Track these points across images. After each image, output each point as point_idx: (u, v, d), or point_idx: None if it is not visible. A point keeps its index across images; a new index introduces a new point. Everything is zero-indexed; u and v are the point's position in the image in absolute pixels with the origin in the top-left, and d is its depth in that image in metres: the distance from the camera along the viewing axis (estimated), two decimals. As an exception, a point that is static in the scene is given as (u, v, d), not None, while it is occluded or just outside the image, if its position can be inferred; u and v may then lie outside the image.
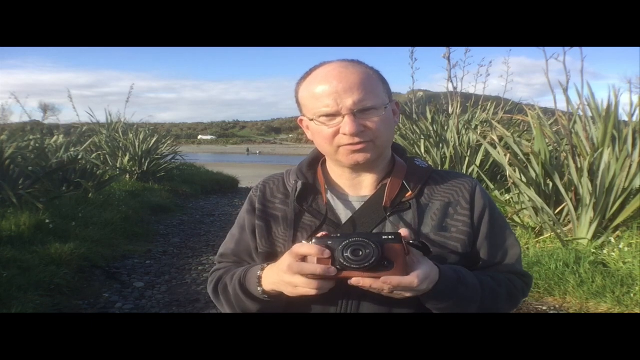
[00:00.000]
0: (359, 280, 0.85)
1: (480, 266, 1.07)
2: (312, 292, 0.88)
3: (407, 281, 0.85)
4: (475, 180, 1.12)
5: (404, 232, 0.89)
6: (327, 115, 0.99)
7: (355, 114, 0.97)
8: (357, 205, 1.07)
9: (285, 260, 0.90)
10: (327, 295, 0.99)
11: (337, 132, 0.99)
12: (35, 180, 5.57)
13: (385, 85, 1.05)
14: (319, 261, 0.86)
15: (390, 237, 0.86)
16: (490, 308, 1.00)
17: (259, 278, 0.98)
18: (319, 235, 0.89)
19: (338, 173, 1.10)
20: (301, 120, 1.10)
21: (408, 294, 0.88)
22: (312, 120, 1.02)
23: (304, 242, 0.90)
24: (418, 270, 0.87)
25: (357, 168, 1.06)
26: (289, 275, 0.89)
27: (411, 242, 0.89)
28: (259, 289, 0.98)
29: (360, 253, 0.84)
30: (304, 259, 0.88)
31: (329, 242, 0.87)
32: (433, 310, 0.97)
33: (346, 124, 0.97)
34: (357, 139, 0.98)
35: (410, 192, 1.05)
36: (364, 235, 0.86)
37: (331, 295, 0.99)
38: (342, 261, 0.85)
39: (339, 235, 0.88)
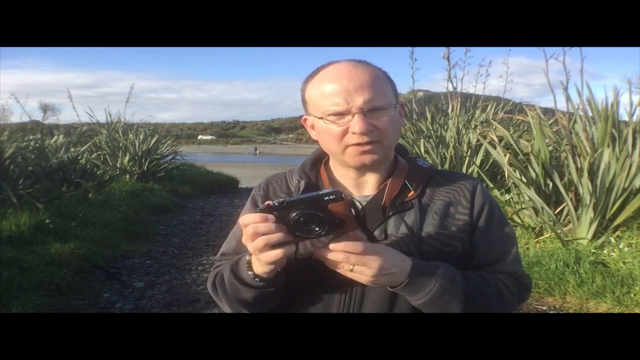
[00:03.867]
0: (318, 252, 0.89)
1: (475, 263, 1.06)
2: (277, 254, 0.86)
3: (351, 246, 0.87)
4: (477, 180, 1.12)
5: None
6: (336, 114, 0.99)
7: (365, 113, 0.97)
8: (359, 205, 1.07)
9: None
10: (329, 292, 0.99)
11: (346, 131, 0.99)
12: (35, 180, 5.58)
13: (393, 86, 1.05)
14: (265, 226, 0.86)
15: (331, 197, 0.87)
16: (478, 305, 0.99)
17: (249, 263, 0.97)
18: (261, 206, 0.88)
19: (342, 172, 1.10)
20: (305, 119, 1.10)
21: (367, 272, 0.88)
22: (320, 118, 1.02)
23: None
24: (367, 243, 0.89)
25: (362, 168, 1.06)
26: (251, 248, 0.88)
27: (353, 199, 0.90)
28: (249, 273, 0.96)
29: (313, 225, 0.86)
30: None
31: (275, 213, 0.87)
32: (419, 308, 0.97)
33: (356, 123, 0.97)
34: (365, 138, 0.98)
35: (412, 192, 1.05)
36: (307, 203, 0.86)
37: (333, 292, 0.99)
38: (299, 233, 0.86)
39: (283, 205, 0.87)
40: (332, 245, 0.88)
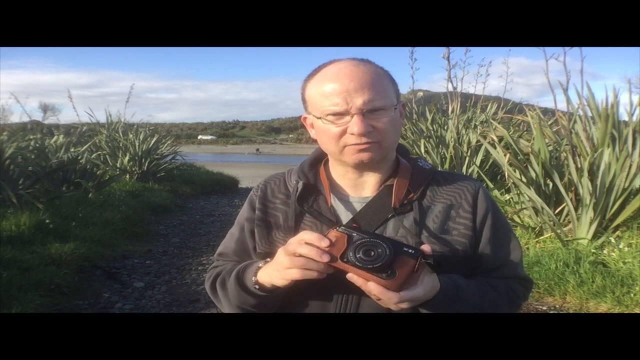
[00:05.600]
0: (353, 276, 0.86)
1: (481, 270, 1.06)
2: (299, 274, 0.88)
3: (387, 296, 0.84)
4: (479, 183, 1.11)
5: (426, 248, 0.88)
6: (336, 114, 0.98)
7: (364, 114, 0.96)
8: (358, 206, 1.06)
9: (288, 243, 0.92)
10: (326, 291, 0.99)
11: (345, 131, 0.98)
12: (35, 180, 5.57)
13: (394, 86, 1.04)
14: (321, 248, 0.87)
15: (410, 250, 0.86)
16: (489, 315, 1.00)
17: (257, 269, 0.99)
18: (343, 226, 0.90)
19: (340, 173, 1.09)
20: (305, 118, 1.09)
21: (393, 307, 0.87)
22: (319, 118, 1.01)
23: (334, 228, 0.91)
24: (408, 290, 0.86)
25: (361, 168, 1.05)
26: (286, 258, 0.90)
27: (426, 260, 0.87)
28: (253, 278, 0.98)
29: (372, 254, 0.84)
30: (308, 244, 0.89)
31: (353, 234, 0.88)
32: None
33: (354, 124, 0.96)
34: (364, 139, 0.97)
35: (412, 194, 1.05)
36: (386, 239, 0.87)
37: (330, 292, 0.99)
38: (351, 256, 0.85)
39: (365, 232, 0.89)
40: (370, 284, 0.85)
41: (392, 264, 0.84)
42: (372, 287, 0.84)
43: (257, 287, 0.98)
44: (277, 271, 0.92)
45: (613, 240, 3.90)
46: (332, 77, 0.98)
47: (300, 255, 0.88)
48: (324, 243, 0.87)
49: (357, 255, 0.85)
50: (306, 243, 0.88)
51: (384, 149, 1.02)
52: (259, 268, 0.99)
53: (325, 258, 0.86)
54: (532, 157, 4.52)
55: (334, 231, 0.90)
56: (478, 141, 5.69)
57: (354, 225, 0.91)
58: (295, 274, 0.89)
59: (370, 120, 0.97)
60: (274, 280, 0.94)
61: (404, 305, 0.86)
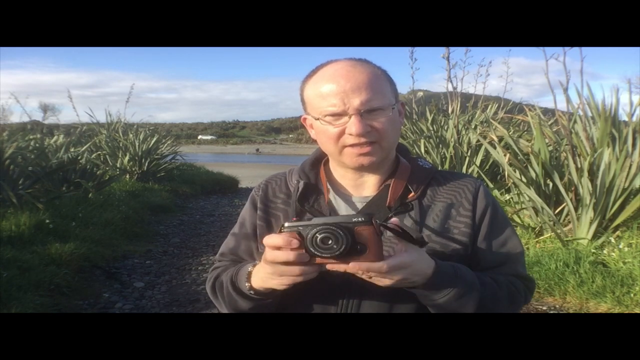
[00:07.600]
0: (333, 266, 0.83)
1: (481, 267, 1.06)
2: (298, 278, 0.86)
3: (376, 267, 0.82)
4: (479, 181, 1.11)
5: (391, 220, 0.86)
6: (333, 115, 0.98)
7: (362, 114, 0.96)
8: (359, 206, 1.06)
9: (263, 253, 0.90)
10: (327, 294, 0.99)
11: (343, 132, 0.98)
12: (35, 180, 5.57)
13: (392, 86, 1.04)
14: (292, 250, 0.84)
15: (360, 219, 0.83)
16: (490, 309, 0.98)
17: (249, 274, 0.98)
18: (287, 224, 0.86)
19: (341, 173, 1.09)
20: (305, 119, 1.09)
21: (387, 282, 0.85)
22: (317, 119, 1.01)
23: (277, 232, 0.88)
24: (393, 258, 0.84)
25: (361, 169, 1.05)
26: (268, 266, 0.88)
27: (385, 223, 0.85)
28: (246, 284, 0.97)
29: (330, 242, 0.82)
30: (278, 248, 0.86)
31: (300, 229, 0.84)
32: (430, 308, 0.96)
33: (352, 124, 0.96)
34: (362, 139, 0.97)
35: (412, 193, 1.05)
36: (332, 222, 0.83)
37: (331, 294, 0.99)
38: (313, 250, 0.83)
39: (310, 221, 0.85)
40: (352, 265, 0.82)
41: (355, 240, 0.82)
42: (356, 267, 0.82)
43: (252, 292, 0.97)
44: (269, 280, 0.91)
45: (613, 240, 3.90)
46: (329, 78, 0.99)
47: (277, 263, 0.86)
48: (294, 243, 0.83)
49: (319, 248, 0.82)
50: (275, 247, 0.85)
51: (384, 149, 1.02)
52: (250, 273, 0.98)
53: (306, 257, 0.83)
54: (532, 157, 4.51)
55: (284, 234, 0.86)
56: (478, 141, 5.69)
57: (293, 219, 0.89)
58: (280, 282, 0.88)
59: (368, 120, 0.97)
60: (269, 284, 0.93)
61: (398, 276, 0.84)
